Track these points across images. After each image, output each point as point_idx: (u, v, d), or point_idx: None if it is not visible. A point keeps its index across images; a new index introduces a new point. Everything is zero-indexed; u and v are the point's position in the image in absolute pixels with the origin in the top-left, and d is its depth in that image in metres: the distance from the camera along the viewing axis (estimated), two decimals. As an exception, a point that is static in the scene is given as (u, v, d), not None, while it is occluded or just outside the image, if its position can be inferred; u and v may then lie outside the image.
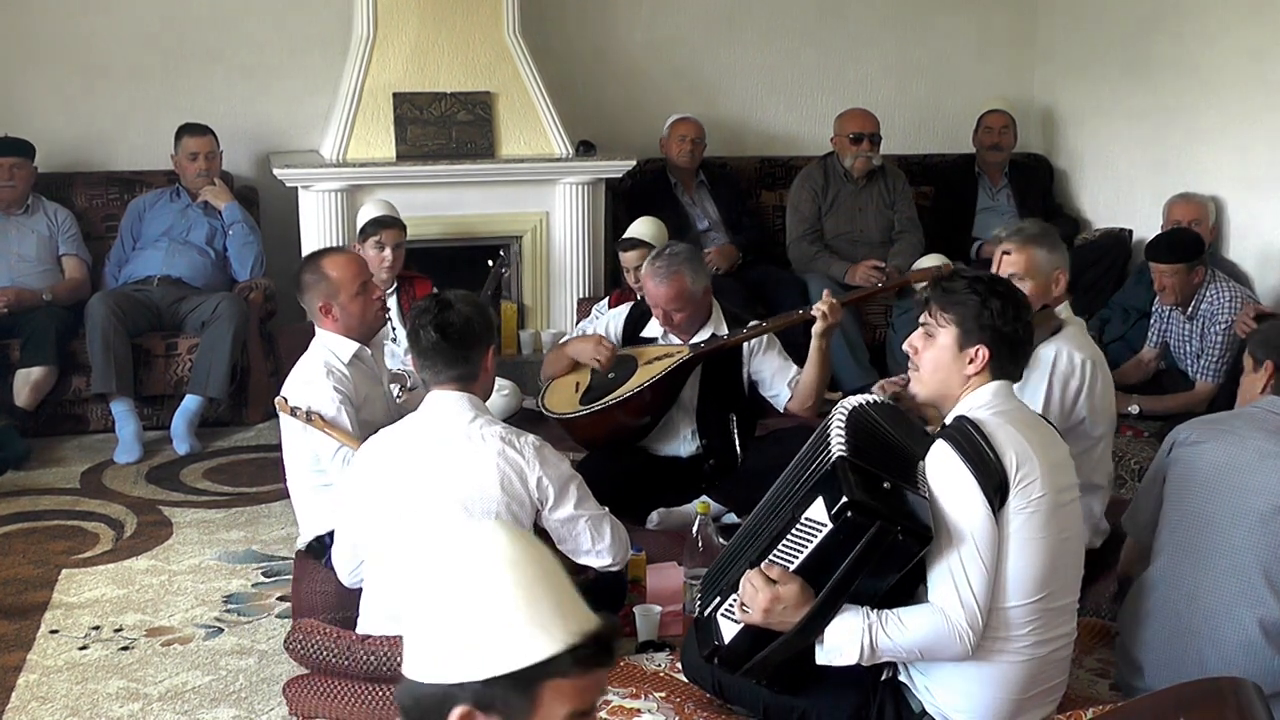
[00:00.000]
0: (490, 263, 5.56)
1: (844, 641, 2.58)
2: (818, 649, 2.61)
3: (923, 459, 2.65)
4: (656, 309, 4.09)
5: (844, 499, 2.50)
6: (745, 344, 4.12)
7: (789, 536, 2.65)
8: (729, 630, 2.73)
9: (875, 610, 2.57)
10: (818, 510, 2.57)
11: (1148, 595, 3.03)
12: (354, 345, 3.65)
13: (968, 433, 2.59)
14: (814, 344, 3.97)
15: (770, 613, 2.61)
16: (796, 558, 2.62)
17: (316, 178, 5.49)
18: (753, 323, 4.11)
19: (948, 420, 2.69)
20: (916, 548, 2.53)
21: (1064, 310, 3.57)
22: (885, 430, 2.77)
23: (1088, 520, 3.48)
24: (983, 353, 2.68)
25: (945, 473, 2.57)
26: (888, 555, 2.52)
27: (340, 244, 5.38)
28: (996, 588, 2.57)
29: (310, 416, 3.49)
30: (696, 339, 4.13)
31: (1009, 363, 2.74)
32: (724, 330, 4.13)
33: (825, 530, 2.55)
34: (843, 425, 2.70)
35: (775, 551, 2.66)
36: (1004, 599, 2.58)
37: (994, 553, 2.55)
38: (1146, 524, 3.17)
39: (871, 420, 2.77)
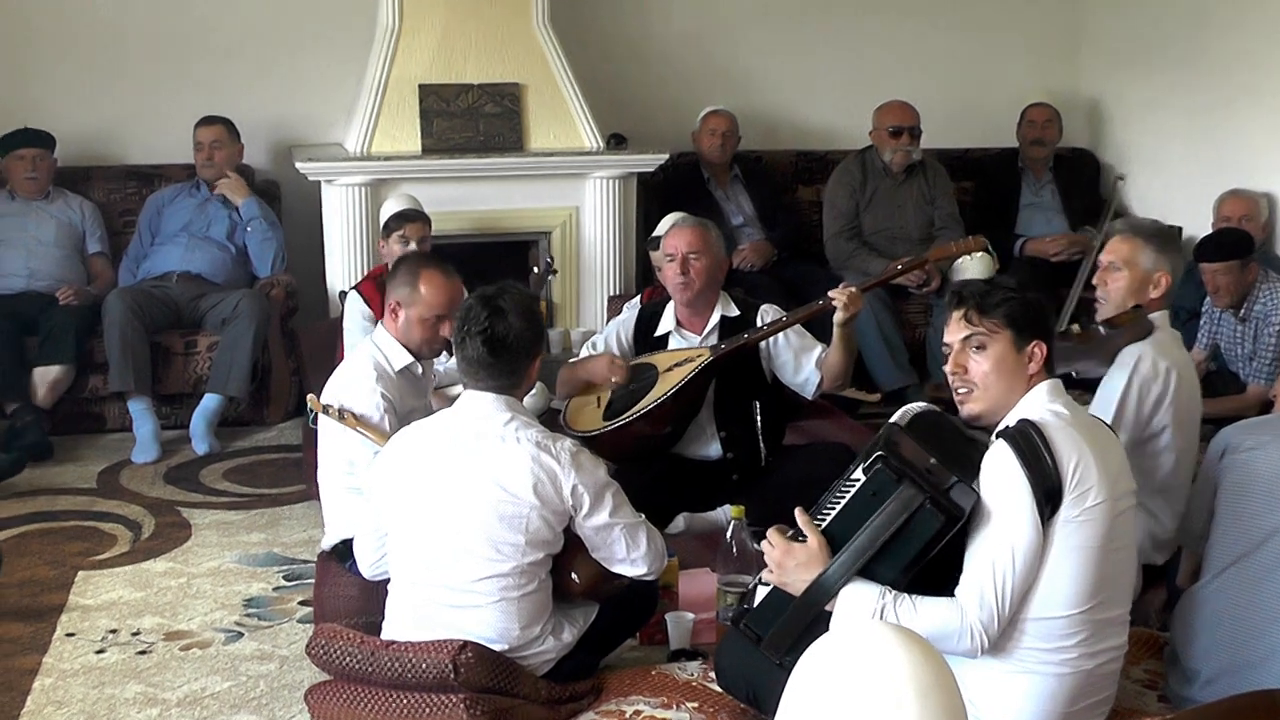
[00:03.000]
0: (535, 269, 5.46)
1: (856, 610, 2.55)
2: (833, 618, 2.59)
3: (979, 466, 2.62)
4: (675, 260, 4.09)
5: (879, 452, 2.55)
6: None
7: (830, 498, 2.70)
8: (760, 594, 2.76)
9: (893, 591, 2.55)
10: (858, 471, 2.63)
11: (1203, 606, 2.98)
12: (409, 357, 3.66)
13: (1029, 435, 2.56)
14: (837, 332, 4.00)
15: (784, 568, 2.63)
16: (828, 516, 2.67)
17: (340, 171, 5.47)
18: (771, 319, 4.09)
19: (1009, 422, 2.65)
20: (941, 524, 2.50)
21: (1160, 318, 3.52)
22: (945, 431, 2.76)
23: (1151, 534, 3.46)
24: (1041, 348, 2.68)
25: (999, 473, 2.54)
26: (911, 525, 2.51)
27: (364, 239, 5.41)
28: (1045, 596, 2.54)
29: (343, 414, 3.49)
30: (709, 325, 4.13)
31: (1053, 358, 2.73)
32: (733, 311, 4.16)
33: (858, 485, 2.59)
34: (903, 416, 2.76)
35: (816, 516, 2.70)
36: (1052, 608, 2.55)
37: (1033, 560, 2.52)
38: (1201, 533, 3.12)
39: (931, 421, 2.77)
